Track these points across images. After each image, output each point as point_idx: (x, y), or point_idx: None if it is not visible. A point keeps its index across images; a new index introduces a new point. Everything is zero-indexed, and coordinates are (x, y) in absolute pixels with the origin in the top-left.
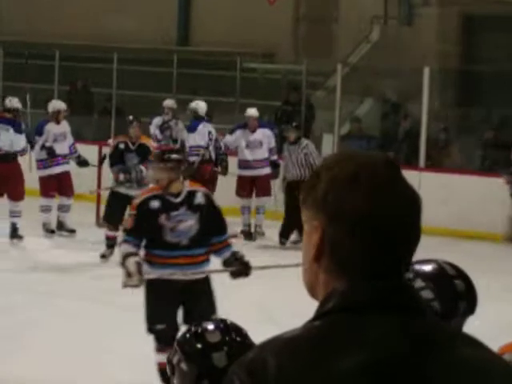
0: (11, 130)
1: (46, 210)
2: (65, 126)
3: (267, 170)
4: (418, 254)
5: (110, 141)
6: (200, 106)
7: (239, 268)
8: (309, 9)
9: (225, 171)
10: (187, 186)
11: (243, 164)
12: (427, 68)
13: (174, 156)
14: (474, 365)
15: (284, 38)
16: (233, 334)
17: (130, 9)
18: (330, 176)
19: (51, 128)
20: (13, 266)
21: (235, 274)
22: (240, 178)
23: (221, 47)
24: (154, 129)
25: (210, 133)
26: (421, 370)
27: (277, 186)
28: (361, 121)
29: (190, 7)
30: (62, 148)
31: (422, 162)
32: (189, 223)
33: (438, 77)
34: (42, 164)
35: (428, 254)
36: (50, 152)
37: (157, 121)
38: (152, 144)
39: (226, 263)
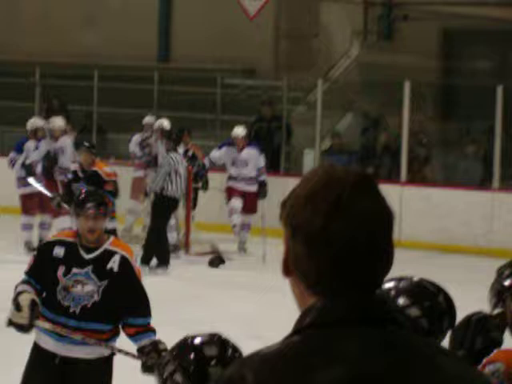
0: None
1: (27, 227)
2: (64, 141)
3: (254, 188)
4: (399, 267)
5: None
6: (165, 124)
7: (154, 360)
8: (289, 24)
9: (205, 186)
10: (110, 242)
11: (232, 178)
12: (407, 82)
13: (97, 201)
14: (452, 375)
15: (264, 54)
16: (229, 349)
17: (110, 26)
18: (295, 192)
19: (31, 145)
20: None
21: (147, 369)
22: (230, 189)
23: (201, 63)
24: (133, 146)
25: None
26: (400, 383)
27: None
28: (341, 136)
29: (171, 24)
30: (62, 161)
31: (403, 175)
32: (87, 288)
33: (418, 91)
34: (22, 182)
35: (408, 266)
36: (29, 170)
37: (136, 138)
38: (106, 171)
39: (140, 351)
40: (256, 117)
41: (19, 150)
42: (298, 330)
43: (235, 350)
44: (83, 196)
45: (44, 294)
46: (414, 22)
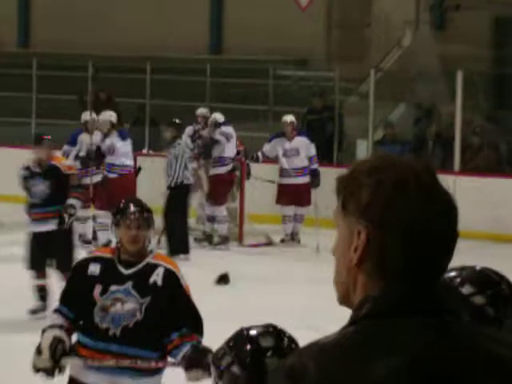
0: None
1: (82, 220)
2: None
3: (306, 179)
4: (454, 258)
5: (145, 150)
6: (218, 117)
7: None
8: (341, 15)
9: (248, 176)
10: (152, 255)
11: (282, 172)
12: (460, 72)
13: (140, 208)
14: (510, 364)
15: (316, 44)
16: (285, 339)
17: (161, 18)
18: (375, 181)
19: (85, 138)
20: None
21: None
22: (280, 186)
23: (253, 55)
24: (185, 138)
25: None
26: (457, 371)
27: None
28: (394, 126)
29: (223, 16)
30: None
31: (456, 165)
32: (128, 306)
33: (471, 80)
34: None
35: (463, 257)
36: (84, 162)
37: (188, 130)
38: (65, 165)
39: (183, 358)
40: (307, 108)
41: (73, 142)
42: (355, 320)
43: (291, 340)
44: (124, 202)
45: (81, 320)
46: (466, 11)
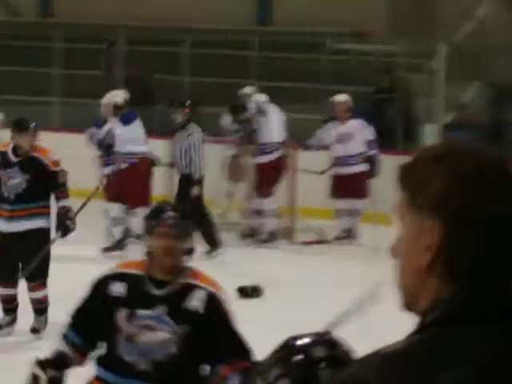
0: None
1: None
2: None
3: (362, 167)
4: None
5: None
6: (262, 98)
7: None
8: None
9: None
10: (190, 273)
11: (336, 161)
12: None
13: (178, 213)
14: None
15: (378, 15)
16: (340, 349)
17: None
18: (449, 171)
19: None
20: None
21: None
22: (334, 177)
23: (306, 26)
24: (228, 121)
25: (280, 121)
26: None
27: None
28: (467, 108)
29: None
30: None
31: None
32: (160, 336)
33: None
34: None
35: None
36: (107, 149)
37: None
38: (51, 160)
39: None
40: (375, 88)
41: (101, 124)
42: (421, 327)
43: (347, 350)
44: (160, 205)
45: (96, 349)
46: None
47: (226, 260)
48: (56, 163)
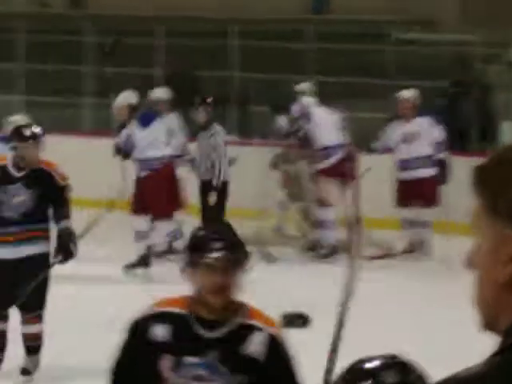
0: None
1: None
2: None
3: (431, 172)
4: None
5: (230, 138)
6: (309, 86)
7: None
8: None
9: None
10: (246, 311)
11: (401, 164)
12: None
13: (228, 243)
14: None
15: (449, 1)
16: (412, 373)
17: None
18: None
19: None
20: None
21: None
22: (399, 183)
23: (368, 15)
24: (284, 121)
25: (337, 121)
26: None
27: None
28: None
29: None
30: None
31: None
32: None
33: None
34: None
35: None
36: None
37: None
38: (60, 172)
39: None
40: (449, 82)
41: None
42: (503, 348)
43: (419, 374)
44: (203, 233)
45: None
46: None
47: (280, 278)
48: (65, 177)
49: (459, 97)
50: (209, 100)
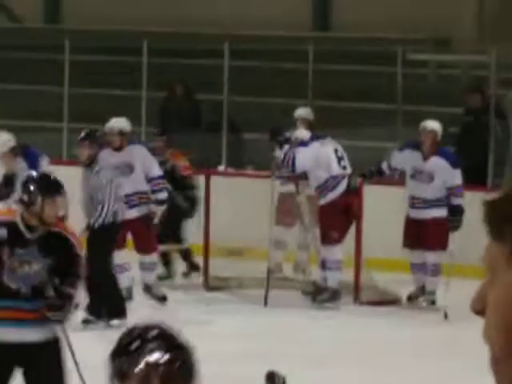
0: None
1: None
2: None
3: (438, 213)
4: None
5: (221, 167)
6: (301, 133)
7: None
8: None
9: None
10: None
11: (409, 200)
12: None
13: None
14: None
15: (463, 18)
16: None
17: None
18: None
19: (106, 157)
20: None
21: None
22: (406, 221)
23: (375, 32)
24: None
25: (336, 151)
26: None
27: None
28: None
29: None
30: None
31: None
32: None
33: None
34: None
35: None
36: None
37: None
38: (75, 235)
39: None
40: (464, 109)
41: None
42: None
43: None
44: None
45: None
46: None
47: (276, 325)
48: (81, 244)
49: (474, 126)
50: (95, 132)
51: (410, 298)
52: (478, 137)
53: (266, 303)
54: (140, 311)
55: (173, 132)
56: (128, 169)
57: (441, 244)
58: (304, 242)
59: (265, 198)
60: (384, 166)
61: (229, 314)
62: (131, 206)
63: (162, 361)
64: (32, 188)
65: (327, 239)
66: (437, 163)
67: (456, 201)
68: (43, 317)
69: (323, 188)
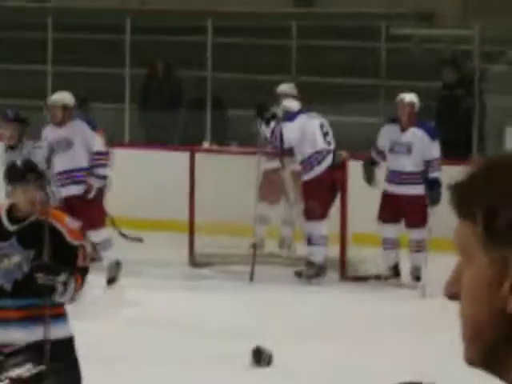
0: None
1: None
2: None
3: (418, 190)
4: None
5: (206, 144)
6: (289, 104)
7: None
8: None
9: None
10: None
11: (387, 175)
12: None
13: None
14: None
15: None
16: None
17: None
18: None
19: (49, 133)
20: None
21: None
22: (383, 196)
23: (359, 7)
24: (264, 126)
25: (322, 126)
26: None
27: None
28: None
29: None
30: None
31: None
32: None
33: None
34: None
35: None
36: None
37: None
38: (71, 227)
39: None
40: (443, 82)
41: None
42: None
43: None
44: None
45: None
46: None
47: (262, 301)
48: (77, 234)
49: (452, 100)
50: (19, 115)
51: (379, 278)
52: (455, 111)
53: (251, 279)
54: (127, 291)
55: (154, 109)
56: (68, 144)
57: (422, 220)
58: (289, 218)
59: (249, 174)
60: (373, 155)
61: (214, 291)
62: (70, 183)
63: None
64: (5, 178)
65: (312, 214)
66: (415, 134)
67: (433, 174)
68: (29, 316)
69: (307, 163)
